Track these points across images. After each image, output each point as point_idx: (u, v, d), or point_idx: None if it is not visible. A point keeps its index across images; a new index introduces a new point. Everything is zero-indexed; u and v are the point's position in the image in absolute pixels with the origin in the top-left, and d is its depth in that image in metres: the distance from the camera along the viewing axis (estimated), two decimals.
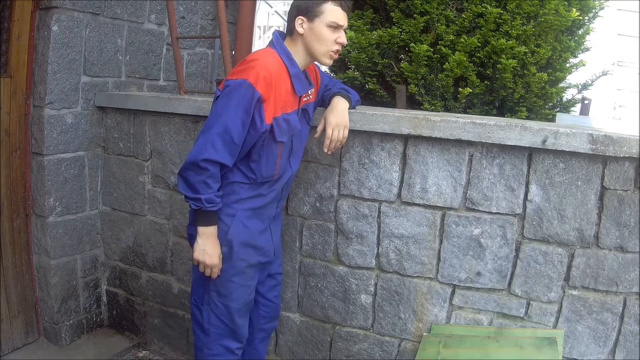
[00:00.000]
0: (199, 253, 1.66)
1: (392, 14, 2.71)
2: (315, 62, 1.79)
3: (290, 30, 1.69)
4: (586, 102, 3.00)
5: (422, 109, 2.66)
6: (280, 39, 1.71)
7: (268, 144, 1.67)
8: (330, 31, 1.64)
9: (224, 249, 1.71)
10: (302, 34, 1.66)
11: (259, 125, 1.61)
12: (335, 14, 1.63)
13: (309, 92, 1.81)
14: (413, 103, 2.76)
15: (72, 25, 2.38)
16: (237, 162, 1.67)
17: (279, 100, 1.64)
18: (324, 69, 3.38)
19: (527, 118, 2.71)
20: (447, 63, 2.56)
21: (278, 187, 1.81)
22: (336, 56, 1.71)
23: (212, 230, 1.66)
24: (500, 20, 2.54)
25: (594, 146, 1.70)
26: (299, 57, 1.69)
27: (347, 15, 1.69)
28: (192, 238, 1.76)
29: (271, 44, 1.72)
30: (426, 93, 2.69)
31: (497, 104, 2.74)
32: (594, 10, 2.96)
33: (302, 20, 1.64)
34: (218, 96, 1.63)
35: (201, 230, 1.65)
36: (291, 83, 1.68)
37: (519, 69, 2.61)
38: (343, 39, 1.66)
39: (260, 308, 1.97)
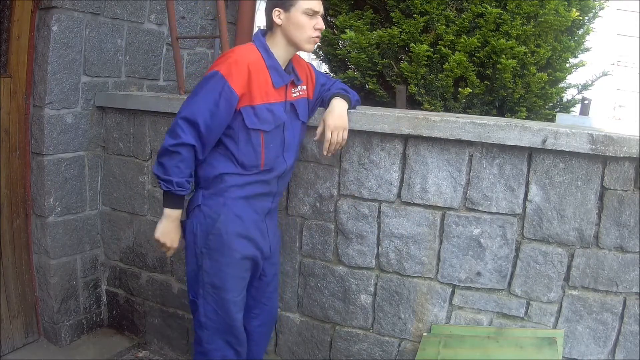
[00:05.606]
0: (163, 235, 1.73)
1: (392, 14, 2.70)
2: (299, 52, 1.82)
3: (270, 25, 1.74)
4: (586, 102, 3.00)
5: (422, 109, 2.66)
6: (260, 34, 1.77)
7: (241, 130, 1.68)
8: (307, 18, 1.69)
9: (211, 237, 1.72)
10: (281, 25, 1.71)
11: (227, 113, 1.65)
12: (309, 1, 1.69)
13: (299, 89, 1.83)
14: (413, 103, 2.76)
15: (72, 25, 2.38)
16: (221, 149, 1.71)
17: (261, 89, 1.68)
18: (323, 67, 3.38)
19: (527, 118, 2.70)
20: (447, 63, 2.56)
21: (271, 179, 1.78)
22: (317, 40, 1.76)
23: (177, 214, 1.73)
24: (500, 20, 2.54)
25: (593, 146, 1.70)
26: (281, 48, 1.74)
27: (322, 2, 1.74)
28: (185, 231, 1.78)
29: (252, 39, 1.78)
30: (426, 93, 2.68)
31: (497, 104, 2.74)
32: (594, 11, 2.96)
33: (279, 11, 1.70)
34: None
35: (168, 212, 1.72)
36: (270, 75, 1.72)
37: (518, 69, 2.61)
38: (321, 25, 1.73)
39: (252, 310, 1.94)
